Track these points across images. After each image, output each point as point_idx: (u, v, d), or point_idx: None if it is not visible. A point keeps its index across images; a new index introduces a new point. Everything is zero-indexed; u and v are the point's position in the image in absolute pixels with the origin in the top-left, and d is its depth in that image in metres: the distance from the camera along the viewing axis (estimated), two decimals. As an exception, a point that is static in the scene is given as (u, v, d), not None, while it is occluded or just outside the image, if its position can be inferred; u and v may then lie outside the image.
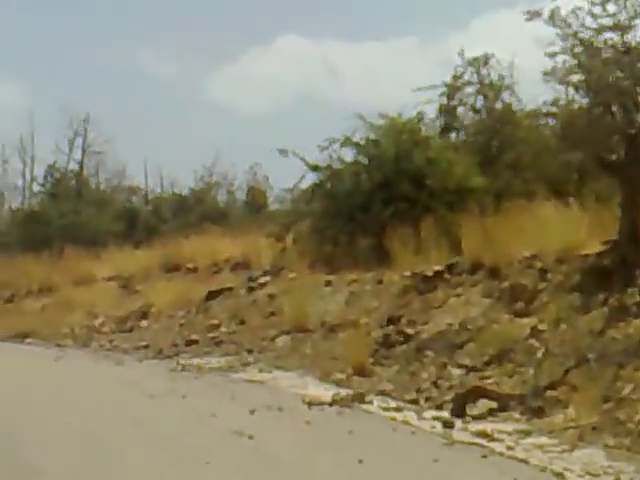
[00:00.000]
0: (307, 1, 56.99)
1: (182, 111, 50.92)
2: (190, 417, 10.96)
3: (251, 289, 20.30)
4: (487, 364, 12.31)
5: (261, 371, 14.86)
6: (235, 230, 26.62)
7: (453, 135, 21.77)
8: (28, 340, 21.94)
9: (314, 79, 54.12)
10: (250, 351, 16.57)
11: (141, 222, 36.55)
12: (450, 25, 57.93)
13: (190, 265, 24.52)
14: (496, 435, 9.72)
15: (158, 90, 52.04)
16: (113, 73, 51.94)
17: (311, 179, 20.86)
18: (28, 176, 41.98)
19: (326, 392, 12.55)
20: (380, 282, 16.94)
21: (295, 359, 15.43)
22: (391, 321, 15.10)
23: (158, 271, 24.98)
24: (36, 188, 41.59)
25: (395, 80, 40.63)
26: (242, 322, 18.54)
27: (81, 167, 40.73)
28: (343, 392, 12.36)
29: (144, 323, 21.18)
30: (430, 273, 15.76)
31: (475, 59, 21.29)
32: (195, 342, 18.11)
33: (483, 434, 9.84)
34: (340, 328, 15.78)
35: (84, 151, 40.77)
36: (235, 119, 50.37)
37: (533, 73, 15.62)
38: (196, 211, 36.78)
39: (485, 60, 21.28)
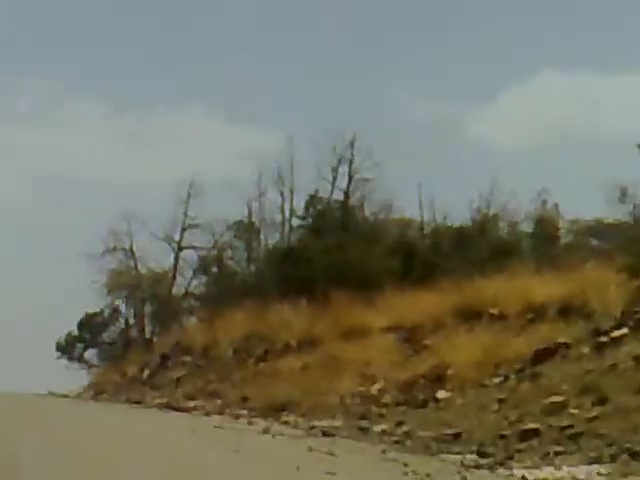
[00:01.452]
0: (565, 34, 52.49)
1: (442, 148, 47.14)
2: None
3: (600, 346, 14.52)
4: None
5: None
6: (531, 265, 21.27)
7: None
8: (284, 415, 17.63)
9: (574, 113, 49.24)
10: (635, 455, 10.22)
11: (419, 258, 31.13)
12: None
13: (494, 311, 19.22)
14: None
15: (416, 128, 48.66)
16: (370, 110, 48.67)
17: None
18: (287, 210, 37.11)
19: None
20: None
21: None
22: None
23: (452, 319, 19.94)
24: (296, 223, 36.69)
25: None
26: (602, 400, 12.52)
27: (346, 196, 35.59)
28: None
29: (442, 394, 16.22)
30: None
31: None
32: (534, 433, 12.18)
33: None
34: None
35: (350, 178, 35.62)
36: (496, 154, 46.11)
37: None
38: (479, 244, 31.27)
39: None
